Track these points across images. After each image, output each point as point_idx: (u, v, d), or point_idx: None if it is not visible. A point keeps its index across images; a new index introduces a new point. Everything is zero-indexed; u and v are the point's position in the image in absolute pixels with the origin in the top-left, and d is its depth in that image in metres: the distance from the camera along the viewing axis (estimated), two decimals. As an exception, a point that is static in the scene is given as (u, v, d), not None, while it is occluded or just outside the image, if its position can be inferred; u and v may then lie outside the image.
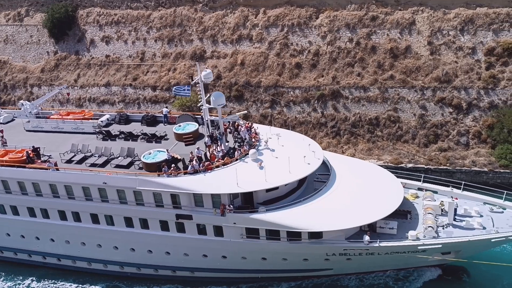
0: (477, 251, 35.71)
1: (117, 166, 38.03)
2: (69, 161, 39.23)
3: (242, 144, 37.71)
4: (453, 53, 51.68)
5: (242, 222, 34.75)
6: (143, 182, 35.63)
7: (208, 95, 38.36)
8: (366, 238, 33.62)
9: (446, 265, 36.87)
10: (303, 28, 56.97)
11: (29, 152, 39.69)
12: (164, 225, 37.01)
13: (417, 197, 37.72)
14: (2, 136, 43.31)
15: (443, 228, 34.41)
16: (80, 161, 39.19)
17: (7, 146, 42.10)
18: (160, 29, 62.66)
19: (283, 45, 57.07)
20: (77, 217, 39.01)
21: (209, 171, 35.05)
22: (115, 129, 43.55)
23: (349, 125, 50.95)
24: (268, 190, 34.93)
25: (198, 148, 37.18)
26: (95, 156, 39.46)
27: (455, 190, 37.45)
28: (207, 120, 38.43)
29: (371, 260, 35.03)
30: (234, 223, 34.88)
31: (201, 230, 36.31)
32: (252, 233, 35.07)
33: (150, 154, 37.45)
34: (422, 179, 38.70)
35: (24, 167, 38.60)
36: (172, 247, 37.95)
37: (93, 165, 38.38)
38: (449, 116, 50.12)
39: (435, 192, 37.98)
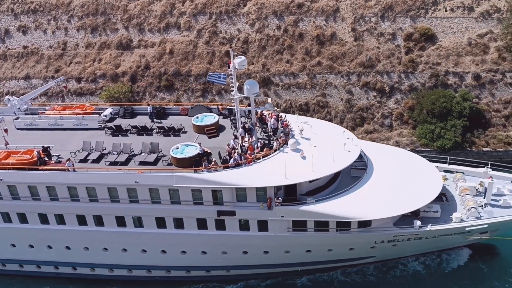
0: None
1: (142, 163, 35.16)
2: (84, 160, 35.94)
3: (274, 134, 36.29)
4: (375, 39, 54.12)
5: (290, 215, 33.35)
6: (181, 179, 33.14)
7: (237, 83, 35.82)
8: (418, 223, 33.43)
9: (478, 244, 37.41)
10: (231, 15, 56.98)
11: (40, 152, 36.02)
12: (202, 223, 34.78)
13: (446, 179, 37.85)
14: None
15: (482, 208, 34.82)
16: (97, 160, 35.97)
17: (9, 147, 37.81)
18: (82, 17, 59.95)
19: (212, 33, 56.79)
20: (99, 221, 35.91)
21: (250, 163, 33.23)
22: (121, 123, 40.20)
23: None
24: (311, 181, 33.77)
25: (234, 140, 35.36)
26: (113, 154, 36.29)
27: (485, 170, 37.44)
28: (239, 111, 36.25)
29: (415, 244, 35.04)
30: (282, 216, 33.41)
31: (243, 225, 34.46)
32: (299, 225, 33.77)
33: (177, 148, 35.10)
34: (448, 161, 39.30)
35: (37, 169, 35.04)
36: (209, 246, 35.95)
37: (113, 163, 35.29)
38: (373, 99, 52.61)
39: (462, 173, 38.32)
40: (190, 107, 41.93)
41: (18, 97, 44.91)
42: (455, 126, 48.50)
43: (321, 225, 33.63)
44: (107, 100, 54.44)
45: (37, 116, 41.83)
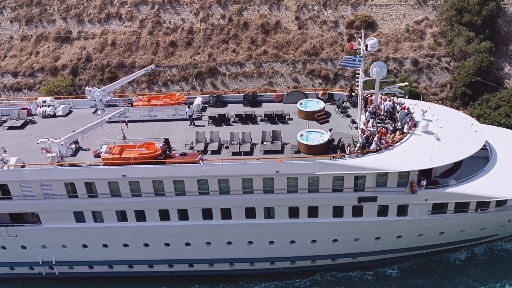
0: None
1: (267, 152, 34.18)
2: (204, 152, 34.40)
3: (388, 117, 36.39)
4: (319, 27, 55.14)
5: (434, 198, 33.26)
6: (325, 166, 32.18)
7: (368, 66, 34.85)
8: None
9: None
10: (174, 5, 56.07)
11: (164, 145, 34.32)
12: (338, 211, 34.01)
13: None
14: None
15: None
16: (217, 151, 34.64)
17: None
18: (16, 8, 56.96)
19: (155, 23, 55.70)
20: (226, 214, 34.34)
21: (390, 147, 32.71)
22: (212, 112, 39.18)
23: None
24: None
25: (365, 124, 34.66)
26: (233, 144, 34.74)
27: None
28: (361, 94, 35.58)
29: None
30: (426, 200, 33.21)
31: (381, 211, 33.90)
32: (438, 208, 33.76)
33: (302, 135, 34.19)
34: None
35: (164, 162, 33.17)
36: (342, 234, 35.15)
37: (236, 153, 34.11)
38: (319, 86, 53.62)
39: None
40: (285, 93, 41.20)
41: (100, 88, 42.11)
42: (396, 110, 50.45)
43: (461, 206, 33.86)
44: (47, 94, 52.21)
45: (125, 108, 38.93)
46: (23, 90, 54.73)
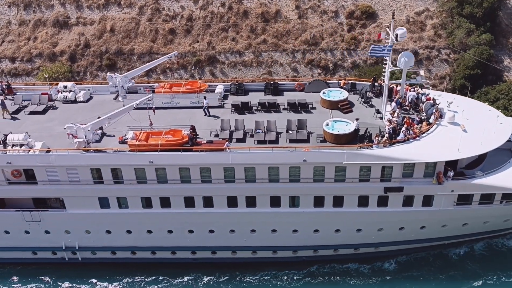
0: None
1: (292, 141, 34.07)
2: (229, 140, 34.28)
3: (413, 108, 36.19)
4: (319, 17, 54.82)
5: (460, 189, 33.41)
6: (352, 156, 32.17)
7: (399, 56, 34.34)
8: None
9: None
10: (174, -8, 55.72)
11: (191, 132, 34.28)
12: (363, 201, 34.12)
13: None
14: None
15: None
16: (242, 139, 34.53)
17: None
18: (14, -7, 56.49)
19: (154, 10, 55.31)
20: (251, 202, 34.36)
21: (417, 138, 32.75)
22: (234, 101, 38.96)
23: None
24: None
25: (391, 114, 34.48)
26: (259, 132, 34.60)
27: None
28: (387, 84, 35.28)
29: None
30: (452, 191, 33.34)
31: (406, 201, 34.06)
32: (463, 199, 33.90)
33: (328, 125, 34.20)
34: None
35: (191, 150, 33.03)
36: (366, 224, 35.24)
37: (261, 142, 34.01)
38: (318, 76, 53.57)
39: None
40: (308, 82, 41.00)
41: (122, 74, 41.72)
42: (395, 102, 50.43)
43: (486, 198, 34.02)
44: (45, 80, 51.98)
45: (149, 94, 38.16)
46: (21, 75, 54.59)
